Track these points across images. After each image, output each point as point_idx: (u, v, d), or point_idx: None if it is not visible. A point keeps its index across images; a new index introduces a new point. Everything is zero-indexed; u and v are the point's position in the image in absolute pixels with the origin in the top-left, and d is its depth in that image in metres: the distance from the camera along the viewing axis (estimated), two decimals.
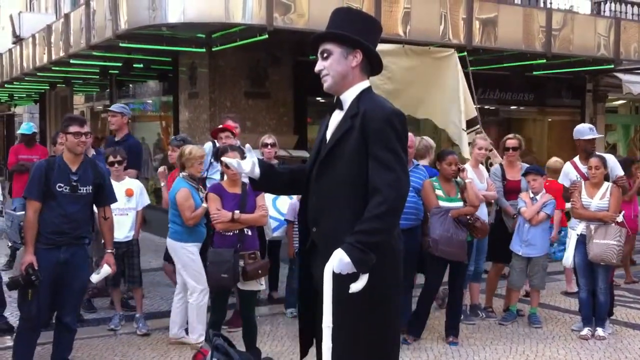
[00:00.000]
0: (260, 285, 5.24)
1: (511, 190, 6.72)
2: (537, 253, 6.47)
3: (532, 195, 6.52)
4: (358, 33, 3.02)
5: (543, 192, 6.54)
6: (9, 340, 5.88)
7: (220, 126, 6.23)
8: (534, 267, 6.52)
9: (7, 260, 9.00)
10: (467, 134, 7.91)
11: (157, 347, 5.78)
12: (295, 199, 6.37)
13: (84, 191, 4.88)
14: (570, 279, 7.78)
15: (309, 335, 3.19)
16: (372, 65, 3.12)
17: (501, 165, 6.98)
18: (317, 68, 3.09)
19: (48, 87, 16.28)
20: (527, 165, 6.91)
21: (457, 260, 5.85)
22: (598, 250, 6.07)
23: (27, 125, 9.74)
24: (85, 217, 4.95)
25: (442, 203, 5.90)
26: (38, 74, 13.43)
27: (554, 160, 8.13)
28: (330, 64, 3.04)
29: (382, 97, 3.11)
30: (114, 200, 5.25)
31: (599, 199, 6.21)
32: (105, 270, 5.13)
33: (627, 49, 11.08)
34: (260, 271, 5.13)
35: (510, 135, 7.10)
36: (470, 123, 8.17)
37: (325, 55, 3.05)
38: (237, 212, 5.08)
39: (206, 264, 5.24)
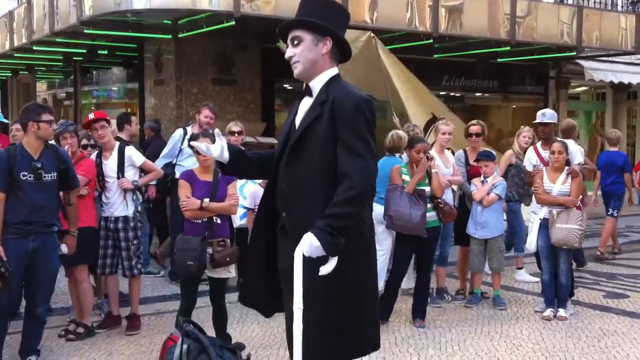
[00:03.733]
0: (229, 272, 5.26)
1: (474, 175, 6.85)
2: (491, 234, 6.66)
3: (482, 179, 6.69)
4: (328, 20, 3.06)
5: (494, 174, 6.70)
6: None
7: (92, 116, 6.07)
8: (491, 251, 6.69)
9: None
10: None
11: (128, 334, 5.80)
12: (257, 186, 6.38)
13: (49, 178, 4.85)
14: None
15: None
16: (341, 53, 3.16)
17: (465, 150, 7.11)
18: (287, 55, 3.12)
19: (10, 74, 15.98)
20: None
21: (415, 235, 5.91)
22: (560, 235, 6.23)
23: None
24: (52, 204, 4.93)
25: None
26: (0, 60, 13.17)
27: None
28: (301, 51, 3.07)
29: (351, 84, 3.16)
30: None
31: (560, 184, 6.36)
32: (62, 249, 5.12)
33: (589, 37, 11.29)
34: (228, 259, 5.13)
35: (473, 122, 7.25)
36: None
37: (295, 42, 3.09)
38: (206, 200, 5.07)
39: (174, 250, 5.24)
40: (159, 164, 7.19)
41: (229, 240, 5.28)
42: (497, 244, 6.69)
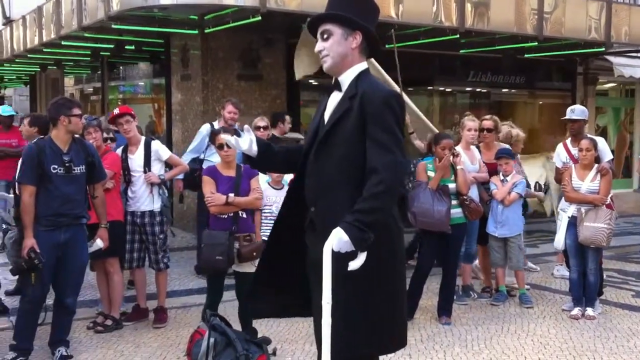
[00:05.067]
0: (255, 267, 5.27)
1: (489, 173, 6.77)
2: (511, 233, 6.61)
3: (502, 177, 6.62)
4: (357, 14, 3.05)
5: (513, 173, 6.64)
6: (4, 322, 5.93)
7: (116, 111, 6.11)
8: (510, 250, 6.62)
9: (0, 243, 8.99)
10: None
11: (155, 327, 5.85)
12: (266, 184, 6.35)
13: (78, 171, 4.93)
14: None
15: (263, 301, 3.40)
16: (371, 47, 3.15)
17: (478, 147, 7.03)
18: (317, 48, 3.12)
19: (38, 69, 16.15)
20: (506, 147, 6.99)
21: (439, 231, 5.88)
22: (588, 233, 6.16)
23: (8, 108, 9.78)
24: (81, 197, 5.01)
25: None
26: (29, 55, 13.32)
27: None
28: (331, 45, 3.07)
29: (380, 79, 3.15)
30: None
31: (589, 182, 6.29)
32: (97, 244, 5.22)
33: (618, 32, 11.11)
34: (255, 253, 5.15)
35: (486, 117, 7.10)
36: None
37: (325, 36, 3.08)
38: (231, 195, 5.09)
39: (201, 245, 5.27)
40: (186, 159, 7.23)
41: (254, 235, 5.30)
42: (516, 242, 6.62)
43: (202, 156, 7.31)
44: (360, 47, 3.10)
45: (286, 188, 6.34)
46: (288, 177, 6.53)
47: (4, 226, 5.70)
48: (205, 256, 5.07)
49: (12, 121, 9.80)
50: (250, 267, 5.22)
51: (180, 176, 7.44)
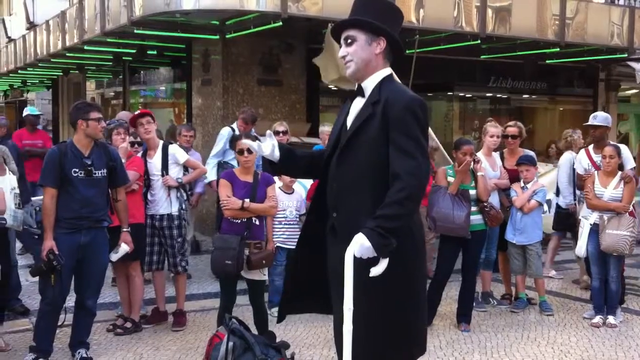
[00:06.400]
0: (263, 275, 5.27)
1: (511, 179, 6.72)
2: (529, 241, 6.54)
3: (522, 185, 6.57)
4: (381, 20, 3.05)
5: (534, 180, 6.58)
6: (25, 323, 5.99)
7: (138, 111, 6.12)
8: (529, 258, 6.57)
9: (22, 245, 9.10)
10: None
11: (174, 330, 5.88)
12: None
13: (99, 175, 4.97)
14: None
15: (291, 303, 3.42)
16: (394, 53, 3.14)
17: (502, 153, 6.98)
18: (340, 53, 3.13)
19: (61, 73, 16.36)
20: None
21: (458, 237, 5.84)
22: (611, 241, 6.09)
23: (33, 109, 10.01)
24: (102, 200, 5.05)
25: None
26: (52, 60, 13.49)
27: None
28: (355, 50, 3.07)
29: (403, 85, 3.15)
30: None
31: (612, 189, 6.22)
32: (124, 249, 5.26)
33: None
34: (264, 261, 5.16)
35: (510, 123, 7.01)
36: None
37: (349, 41, 3.08)
38: (247, 200, 5.10)
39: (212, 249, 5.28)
40: (210, 163, 7.27)
41: (264, 243, 5.30)
42: (535, 250, 6.56)
43: (221, 159, 7.36)
44: (384, 53, 3.10)
45: (297, 192, 6.38)
46: (306, 182, 6.55)
47: (21, 227, 5.74)
48: (215, 260, 5.09)
49: (38, 123, 9.95)
50: (259, 275, 5.22)
51: (199, 189, 7.54)
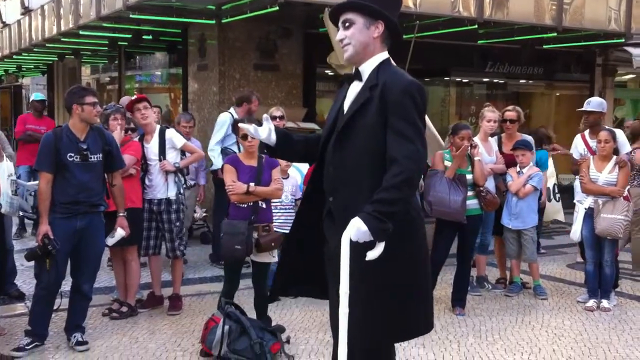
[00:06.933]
0: (273, 257, 5.30)
1: (508, 164, 6.73)
2: (524, 225, 6.57)
3: (518, 169, 6.58)
4: (380, 4, 3.03)
5: (530, 165, 6.59)
6: (21, 308, 6.03)
7: (134, 97, 6.09)
8: (524, 242, 6.59)
9: (17, 229, 9.12)
10: None
11: (170, 315, 5.90)
12: None
13: (95, 159, 4.96)
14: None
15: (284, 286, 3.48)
16: (392, 37, 3.13)
17: (499, 137, 6.98)
18: (338, 37, 3.11)
19: (56, 58, 16.26)
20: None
21: (456, 222, 5.88)
22: (605, 225, 6.12)
23: (38, 94, 9.96)
24: (98, 185, 5.05)
25: None
26: (47, 45, 13.41)
27: None
28: (353, 34, 3.05)
29: (401, 69, 3.13)
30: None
31: (607, 173, 6.25)
32: (120, 233, 5.26)
33: (638, 23, 10.99)
34: (273, 244, 5.17)
35: (509, 107, 7.01)
36: None
37: (347, 24, 3.07)
38: (252, 184, 5.11)
39: (220, 234, 5.29)
40: (216, 149, 7.25)
41: (272, 225, 5.32)
42: (529, 234, 6.59)
43: (221, 145, 7.34)
44: (382, 37, 3.08)
45: (292, 177, 6.39)
46: (302, 167, 6.55)
47: (20, 213, 5.75)
48: (225, 245, 5.08)
49: (44, 108, 9.92)
50: (268, 257, 5.24)
51: (203, 181, 7.57)
